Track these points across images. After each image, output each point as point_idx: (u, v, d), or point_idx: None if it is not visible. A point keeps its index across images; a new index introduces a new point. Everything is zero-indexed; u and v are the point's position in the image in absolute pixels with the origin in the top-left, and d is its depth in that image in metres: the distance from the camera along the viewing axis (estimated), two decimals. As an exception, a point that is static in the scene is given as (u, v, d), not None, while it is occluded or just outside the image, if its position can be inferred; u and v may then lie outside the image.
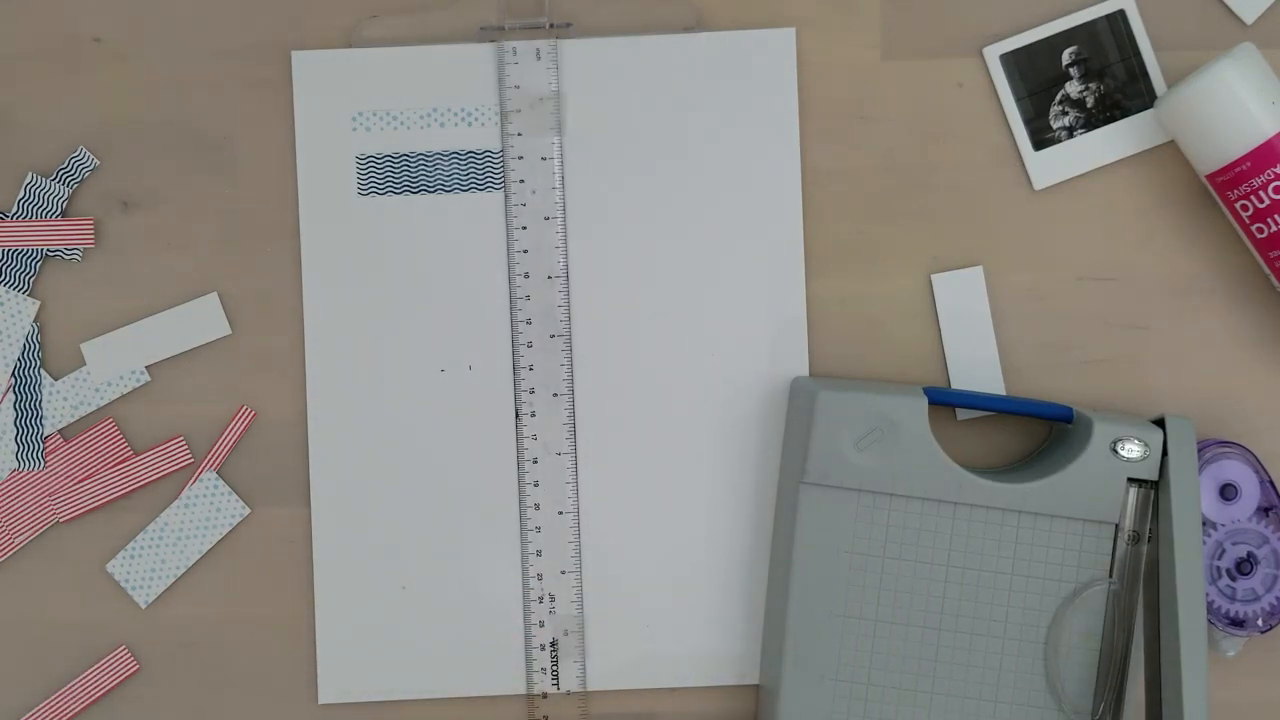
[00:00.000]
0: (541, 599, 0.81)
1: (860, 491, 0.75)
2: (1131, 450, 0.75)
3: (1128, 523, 0.76)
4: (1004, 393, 0.81)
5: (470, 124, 0.81)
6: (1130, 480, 0.76)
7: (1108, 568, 0.76)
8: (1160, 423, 0.76)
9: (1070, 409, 0.78)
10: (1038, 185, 0.81)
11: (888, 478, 0.75)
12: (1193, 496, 0.74)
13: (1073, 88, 0.80)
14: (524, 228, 0.81)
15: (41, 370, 0.80)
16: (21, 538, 0.81)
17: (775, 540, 0.79)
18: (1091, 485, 0.75)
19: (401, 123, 0.81)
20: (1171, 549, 0.74)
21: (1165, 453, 0.75)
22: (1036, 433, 0.81)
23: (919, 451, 0.75)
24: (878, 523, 0.75)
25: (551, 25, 0.81)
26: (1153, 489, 0.76)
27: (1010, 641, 0.76)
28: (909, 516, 0.76)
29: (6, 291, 0.80)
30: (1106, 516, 0.76)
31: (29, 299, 0.80)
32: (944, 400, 0.77)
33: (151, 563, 0.81)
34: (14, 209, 0.81)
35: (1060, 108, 0.80)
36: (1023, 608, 0.76)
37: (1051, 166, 0.81)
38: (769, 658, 0.78)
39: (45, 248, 0.81)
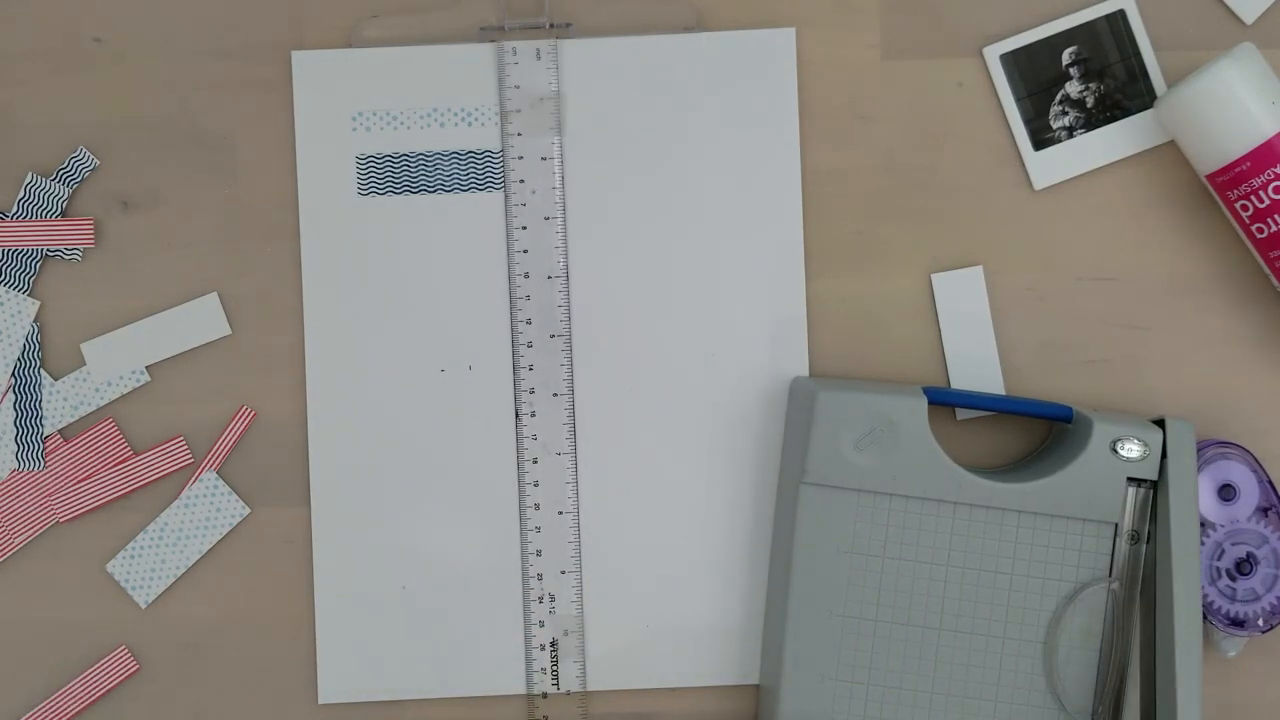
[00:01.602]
0: (541, 599, 0.81)
1: (860, 491, 0.75)
2: (1131, 450, 0.75)
3: (1127, 522, 0.76)
4: (1004, 393, 0.81)
5: (470, 124, 0.81)
6: (1130, 480, 0.76)
7: (1107, 567, 0.76)
8: (1160, 424, 0.76)
9: (1070, 409, 0.78)
10: (1038, 185, 0.81)
11: (888, 478, 0.75)
12: (1191, 499, 0.75)
13: (1073, 88, 0.80)
14: (524, 228, 0.81)
15: (41, 370, 0.80)
16: (21, 538, 0.81)
17: (775, 540, 0.79)
18: (1091, 485, 0.75)
19: (401, 123, 0.81)
20: (1169, 552, 0.74)
21: (1165, 453, 0.75)
22: (1036, 433, 0.81)
23: (919, 451, 0.75)
24: (878, 523, 0.75)
25: (551, 25, 0.81)
26: (1152, 489, 0.76)
27: (1010, 641, 0.76)
28: (909, 516, 0.76)
29: (6, 291, 0.80)
30: (1106, 516, 0.76)
31: (29, 299, 0.80)
32: (944, 400, 0.77)
33: (151, 563, 0.81)
34: (14, 209, 0.81)
35: (1060, 108, 0.81)
36: (1023, 607, 0.76)
37: (1051, 166, 0.81)
38: (769, 658, 0.78)
39: (45, 248, 0.81)
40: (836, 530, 0.75)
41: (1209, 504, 0.78)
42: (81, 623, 0.81)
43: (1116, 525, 0.76)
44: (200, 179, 0.81)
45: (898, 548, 0.76)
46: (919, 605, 0.76)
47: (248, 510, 0.81)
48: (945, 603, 0.76)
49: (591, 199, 0.81)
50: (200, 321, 0.81)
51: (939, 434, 0.78)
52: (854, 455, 0.75)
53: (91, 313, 0.81)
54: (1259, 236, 0.77)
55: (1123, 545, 0.76)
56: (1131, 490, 0.76)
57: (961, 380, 0.81)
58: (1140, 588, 0.76)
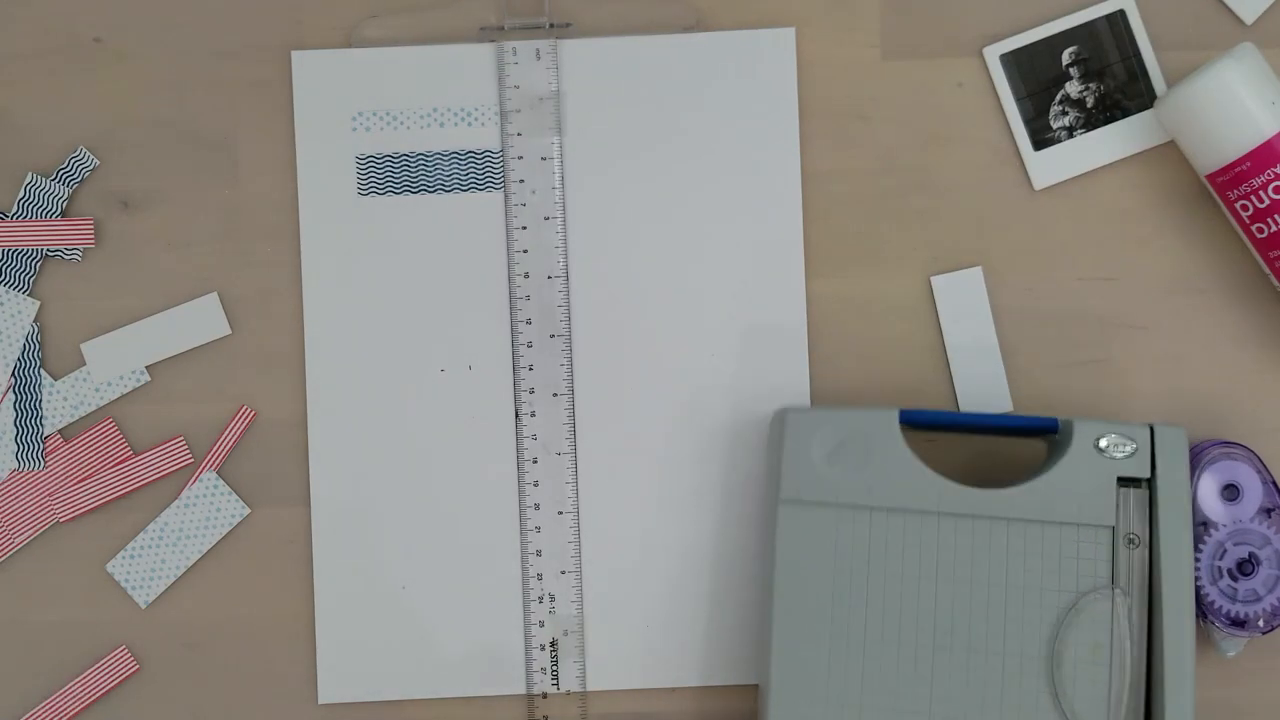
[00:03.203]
0: (541, 599, 0.81)
1: (838, 507, 0.74)
2: (1117, 448, 0.74)
3: (1124, 525, 0.74)
4: (1006, 391, 0.81)
5: (470, 124, 0.81)
6: (1121, 481, 0.74)
7: (1109, 574, 0.74)
8: (1149, 426, 0.75)
9: (1055, 420, 0.76)
10: (1038, 185, 0.81)
11: (863, 490, 0.74)
12: (1184, 506, 0.73)
13: (1073, 88, 0.80)
14: (524, 228, 0.81)
15: (41, 370, 0.80)
16: (21, 538, 0.81)
17: (762, 563, 0.78)
18: (1079, 486, 0.74)
19: (401, 123, 0.81)
20: (1160, 561, 0.73)
21: (1154, 455, 0.74)
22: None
23: (894, 461, 0.74)
24: (859, 539, 0.74)
25: (551, 25, 0.81)
26: (1147, 488, 0.75)
27: (1011, 657, 0.73)
28: (890, 531, 0.74)
29: (6, 291, 0.80)
30: (1100, 520, 0.74)
31: (29, 299, 0.80)
32: (918, 421, 0.75)
33: (151, 563, 0.81)
34: (14, 209, 0.81)
35: (1060, 108, 0.80)
36: (1021, 620, 0.73)
37: (1051, 166, 0.81)
38: (761, 679, 0.77)
39: (45, 248, 0.81)
40: (817, 547, 0.74)
41: (1212, 504, 0.78)
42: (81, 623, 0.81)
43: (1114, 529, 0.74)
44: (200, 179, 0.81)
45: (882, 563, 0.74)
46: (910, 623, 0.74)
47: (248, 510, 0.81)
48: (938, 619, 0.74)
49: (591, 199, 0.81)
50: (200, 321, 0.81)
51: (919, 445, 0.77)
52: (825, 468, 0.74)
53: (91, 313, 0.81)
54: (1259, 236, 0.77)
55: (1123, 550, 0.74)
56: (1124, 492, 0.74)
57: (962, 380, 0.81)
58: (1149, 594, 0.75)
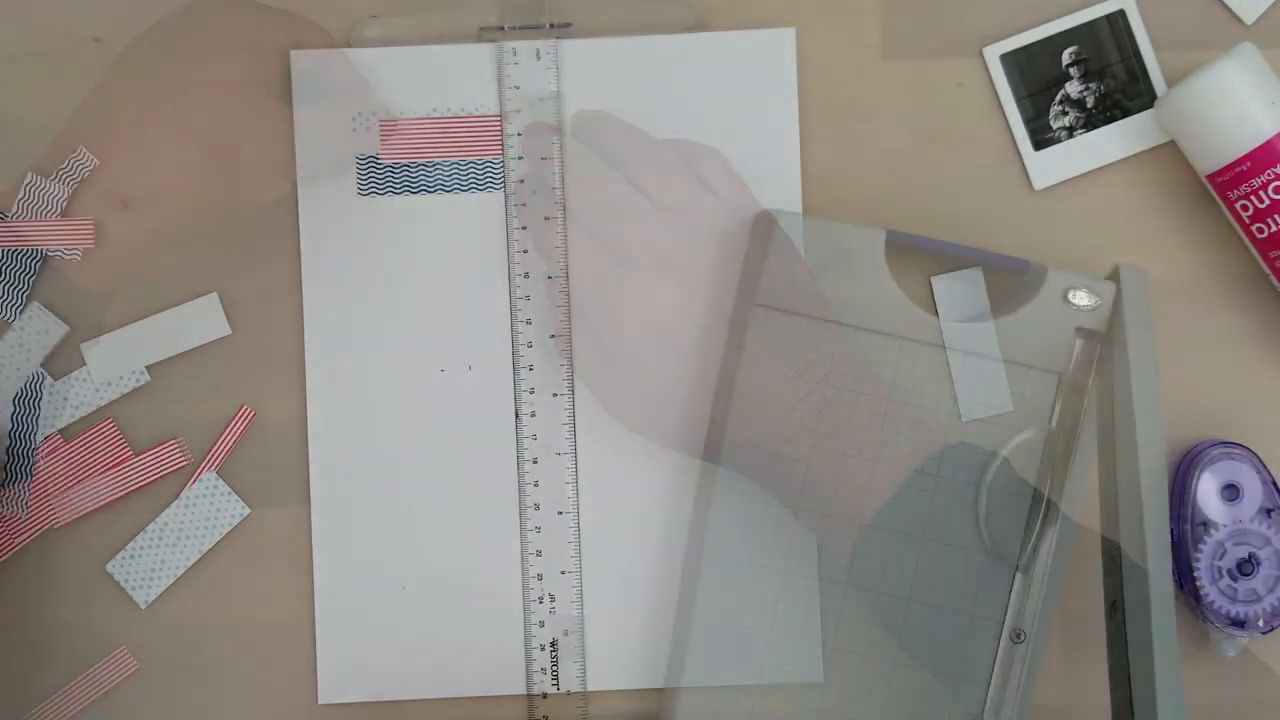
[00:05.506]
0: (541, 599, 0.81)
1: (809, 318, 0.75)
2: (1082, 299, 0.75)
3: (1071, 373, 0.76)
4: (1007, 391, 0.80)
5: (470, 124, 0.81)
6: (1079, 331, 0.76)
7: (1048, 417, 0.76)
8: (1115, 277, 0.76)
9: (1026, 260, 0.77)
10: (1038, 185, 0.81)
11: (838, 304, 0.75)
12: (1147, 346, 0.75)
13: (1073, 88, 0.80)
14: (524, 228, 0.81)
15: (42, 370, 0.80)
16: (21, 538, 0.81)
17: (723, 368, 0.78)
18: (1040, 332, 0.76)
19: (401, 123, 0.81)
20: (1130, 401, 0.74)
21: (1118, 305, 0.75)
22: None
23: (872, 279, 0.76)
24: (822, 351, 0.75)
25: (551, 25, 0.81)
26: (1099, 342, 0.76)
27: (944, 480, 0.75)
28: (854, 347, 0.75)
29: (40, 309, 0.80)
30: (1051, 365, 0.76)
31: (58, 320, 0.80)
32: (903, 242, 0.77)
33: (151, 563, 0.81)
34: (14, 209, 0.80)
35: (1060, 108, 0.80)
36: (959, 447, 0.75)
37: (1051, 166, 0.81)
38: (711, 456, 0.77)
39: (45, 248, 0.80)
40: (782, 355, 0.75)
41: (1212, 504, 0.78)
42: (81, 623, 0.81)
43: (1060, 375, 0.76)
44: (200, 179, 0.81)
45: (839, 378, 0.75)
46: (847, 430, 0.75)
47: (248, 510, 0.81)
48: (884, 437, 0.75)
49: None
50: (200, 321, 0.81)
51: (896, 269, 0.78)
52: (805, 278, 0.75)
53: (91, 313, 0.81)
54: (1259, 236, 0.77)
55: (1064, 395, 0.76)
56: (1079, 341, 0.76)
57: (964, 381, 0.80)
58: (1079, 439, 0.76)
